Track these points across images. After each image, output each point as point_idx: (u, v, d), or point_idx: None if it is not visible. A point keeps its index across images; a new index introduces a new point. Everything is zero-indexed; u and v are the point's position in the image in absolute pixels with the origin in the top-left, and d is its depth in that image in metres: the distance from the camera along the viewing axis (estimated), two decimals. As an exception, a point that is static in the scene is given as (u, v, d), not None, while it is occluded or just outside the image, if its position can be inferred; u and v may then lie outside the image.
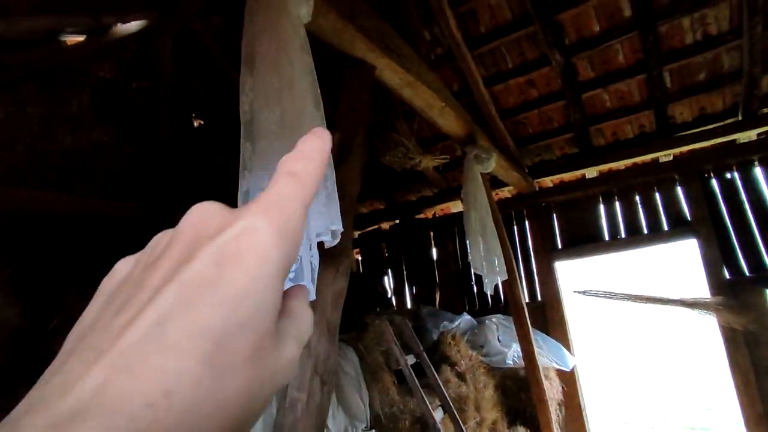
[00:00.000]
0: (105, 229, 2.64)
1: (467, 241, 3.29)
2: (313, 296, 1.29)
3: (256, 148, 1.32)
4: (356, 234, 5.97)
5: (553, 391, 3.94)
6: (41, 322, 2.20)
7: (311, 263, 1.15)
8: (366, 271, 5.70)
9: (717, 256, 3.78)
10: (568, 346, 4.26)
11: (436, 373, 2.83)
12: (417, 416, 2.74)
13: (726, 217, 3.86)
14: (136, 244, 0.27)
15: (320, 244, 1.25)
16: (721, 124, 3.86)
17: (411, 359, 2.73)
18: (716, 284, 3.75)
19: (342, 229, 1.32)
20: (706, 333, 8.21)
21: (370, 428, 2.45)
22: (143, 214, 2.75)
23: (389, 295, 5.52)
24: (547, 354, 4.06)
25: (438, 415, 2.60)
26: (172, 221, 0.24)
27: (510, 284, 3.46)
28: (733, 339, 3.64)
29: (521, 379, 3.85)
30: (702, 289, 3.84)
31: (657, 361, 8.21)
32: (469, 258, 3.24)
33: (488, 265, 3.18)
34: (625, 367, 8.10)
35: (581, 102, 4.10)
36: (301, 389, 1.33)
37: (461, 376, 3.33)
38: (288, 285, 0.26)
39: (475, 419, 3.04)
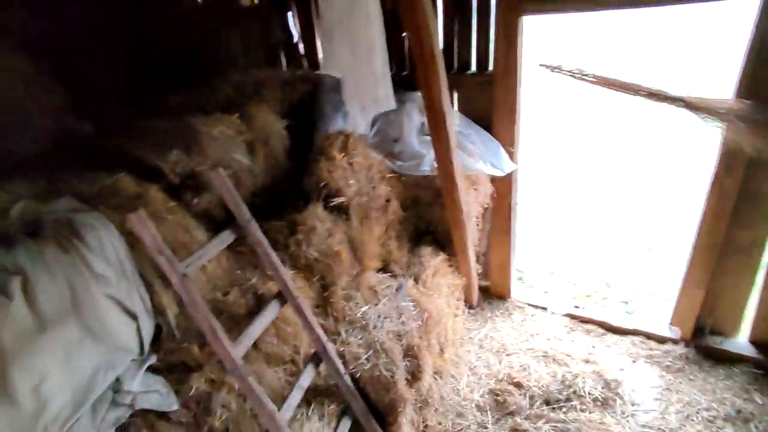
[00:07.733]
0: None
1: None
2: None
3: None
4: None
5: (479, 200, 3.15)
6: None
7: None
8: (264, 5, 3.91)
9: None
10: (512, 139, 3.21)
11: (278, 263, 1.87)
12: (245, 310, 1.99)
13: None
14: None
15: None
16: None
17: (227, 236, 1.73)
18: (752, 77, 2.40)
19: None
20: (691, 147, 6.56)
21: (154, 352, 1.71)
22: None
23: (295, 40, 3.97)
24: (482, 154, 3.07)
25: (271, 310, 1.82)
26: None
27: (427, 79, 2.09)
28: (732, 163, 2.60)
29: (438, 190, 2.98)
30: (725, 87, 2.53)
31: (615, 169, 6.53)
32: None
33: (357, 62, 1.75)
34: (576, 173, 6.51)
35: None
36: None
37: (343, 211, 2.42)
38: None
39: (348, 275, 2.31)
